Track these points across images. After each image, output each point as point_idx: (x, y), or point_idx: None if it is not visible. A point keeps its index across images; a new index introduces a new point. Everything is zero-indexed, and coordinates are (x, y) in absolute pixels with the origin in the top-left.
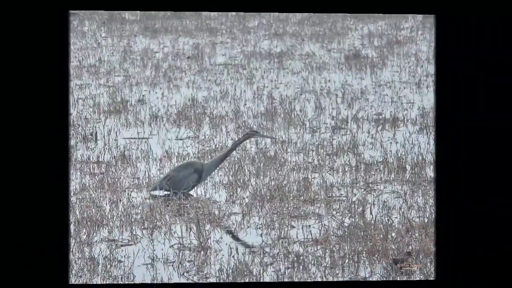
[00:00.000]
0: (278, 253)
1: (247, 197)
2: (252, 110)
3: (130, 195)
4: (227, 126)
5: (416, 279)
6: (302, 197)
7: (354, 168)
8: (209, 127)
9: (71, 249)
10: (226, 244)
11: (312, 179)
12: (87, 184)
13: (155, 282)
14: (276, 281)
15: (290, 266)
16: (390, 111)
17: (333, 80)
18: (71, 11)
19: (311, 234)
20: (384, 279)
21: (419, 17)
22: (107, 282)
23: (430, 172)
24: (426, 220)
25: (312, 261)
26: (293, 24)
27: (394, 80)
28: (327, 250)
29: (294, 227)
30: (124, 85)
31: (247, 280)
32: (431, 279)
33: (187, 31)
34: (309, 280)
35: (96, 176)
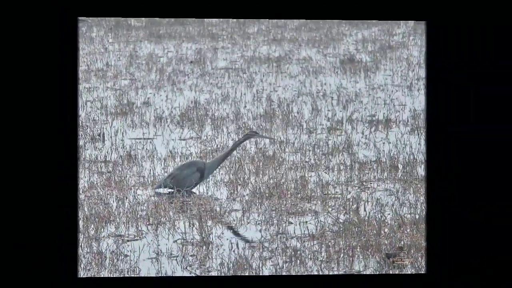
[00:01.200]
0: (276, 248)
1: (247, 195)
2: (251, 112)
3: (136, 193)
4: (228, 127)
5: (407, 273)
6: (299, 195)
7: (348, 167)
8: (211, 128)
9: (80, 244)
10: (227, 239)
11: (309, 178)
12: (95, 182)
13: (159, 275)
14: (275, 274)
15: (288, 260)
16: (383, 113)
17: (329, 83)
18: (80, 18)
19: (308, 230)
20: (377, 272)
21: (411, 23)
22: (114, 276)
23: (421, 171)
24: (417, 216)
25: (309, 256)
26: (290, 30)
27: (387, 83)
28: (323, 245)
29: (291, 223)
30: (130, 88)
31: (247, 274)
32: (422, 272)
33: (190, 36)
34: (306, 274)
35: (104, 175)
